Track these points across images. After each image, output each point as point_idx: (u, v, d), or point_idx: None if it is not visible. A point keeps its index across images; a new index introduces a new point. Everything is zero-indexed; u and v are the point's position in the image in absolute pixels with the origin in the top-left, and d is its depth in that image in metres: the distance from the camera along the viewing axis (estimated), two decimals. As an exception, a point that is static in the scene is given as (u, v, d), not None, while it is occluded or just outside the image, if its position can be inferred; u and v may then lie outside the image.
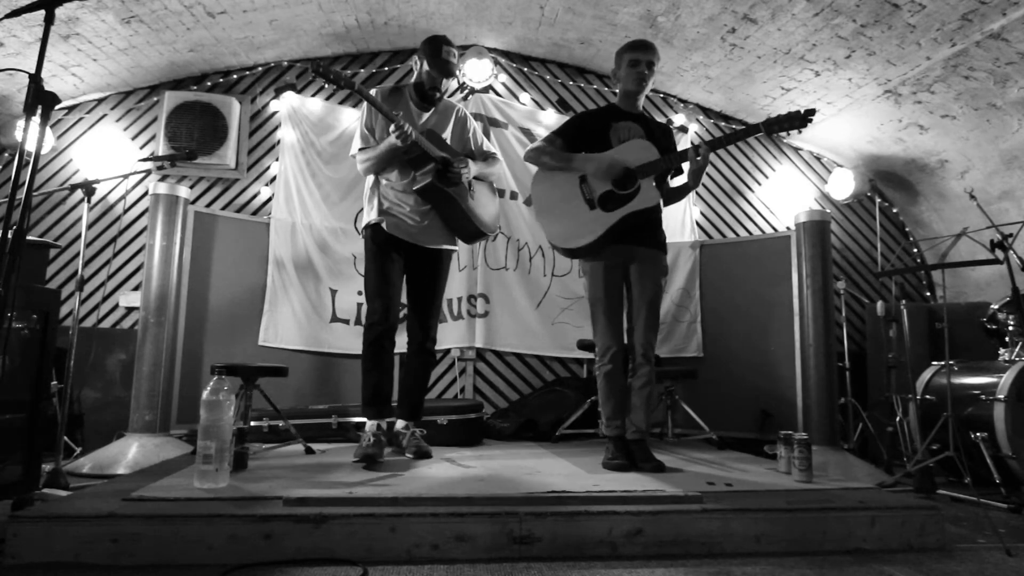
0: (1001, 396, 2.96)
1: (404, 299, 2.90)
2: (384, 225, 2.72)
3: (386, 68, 4.62)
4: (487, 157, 2.96)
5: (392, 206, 2.75)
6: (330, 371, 4.02)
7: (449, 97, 4.50)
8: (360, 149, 2.76)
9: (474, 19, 4.34)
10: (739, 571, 1.71)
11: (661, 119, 4.85)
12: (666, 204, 2.79)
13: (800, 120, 2.53)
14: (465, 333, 4.22)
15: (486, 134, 4.39)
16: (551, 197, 2.68)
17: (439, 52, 2.70)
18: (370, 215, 2.79)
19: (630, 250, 2.67)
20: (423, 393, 2.94)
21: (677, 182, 2.82)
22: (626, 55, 2.73)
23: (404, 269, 2.83)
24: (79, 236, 3.98)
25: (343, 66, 4.57)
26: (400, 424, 2.91)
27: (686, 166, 2.70)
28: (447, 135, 2.84)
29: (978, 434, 2.92)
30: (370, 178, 2.82)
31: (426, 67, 2.72)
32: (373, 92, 2.71)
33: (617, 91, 2.84)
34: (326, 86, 4.53)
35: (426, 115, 2.82)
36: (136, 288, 4.02)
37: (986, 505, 2.60)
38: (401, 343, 2.89)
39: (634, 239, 2.65)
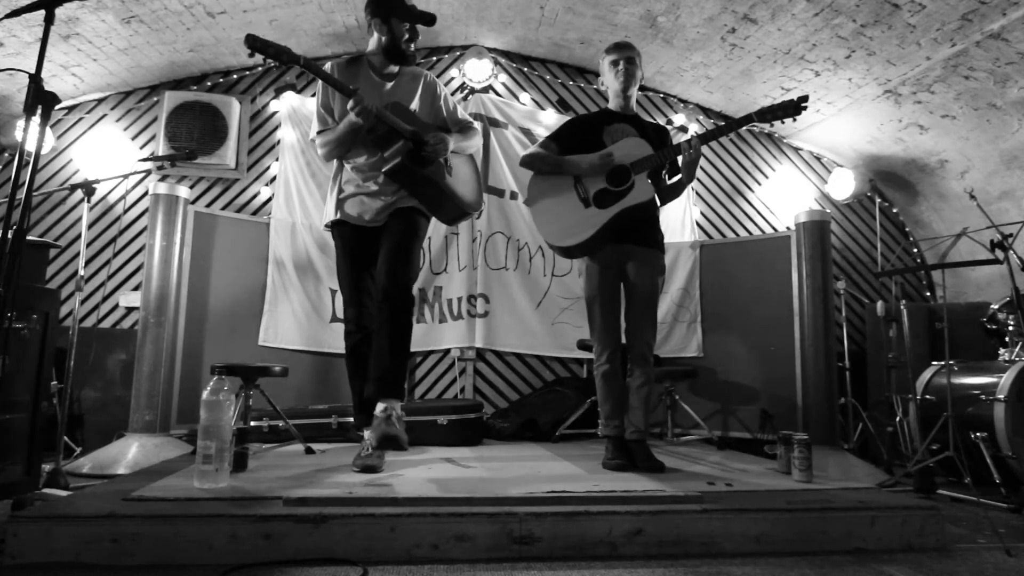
0: (1001, 396, 2.96)
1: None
2: (346, 218, 2.53)
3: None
4: (463, 128, 2.68)
5: (357, 190, 2.53)
6: (330, 371, 4.01)
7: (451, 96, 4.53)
8: (319, 132, 2.52)
9: (474, 19, 4.34)
10: (739, 571, 1.71)
11: (661, 119, 4.86)
12: (664, 202, 2.80)
13: (794, 108, 2.53)
14: (465, 333, 4.22)
15: (486, 134, 4.39)
16: (547, 198, 2.69)
17: (401, 2, 2.46)
18: (329, 209, 2.56)
19: (626, 250, 2.68)
20: (398, 360, 2.40)
21: (674, 180, 2.82)
22: (604, 59, 2.77)
23: (375, 255, 2.57)
24: (79, 236, 3.98)
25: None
26: (378, 408, 2.32)
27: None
28: (415, 106, 2.59)
29: (978, 434, 2.92)
30: (334, 166, 2.61)
31: (393, 24, 2.48)
32: (328, 67, 2.45)
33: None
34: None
35: (389, 85, 2.56)
36: (136, 288, 4.02)
37: (986, 505, 2.60)
38: None
39: (630, 238, 2.66)
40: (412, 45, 2.54)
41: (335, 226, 2.60)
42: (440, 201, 2.55)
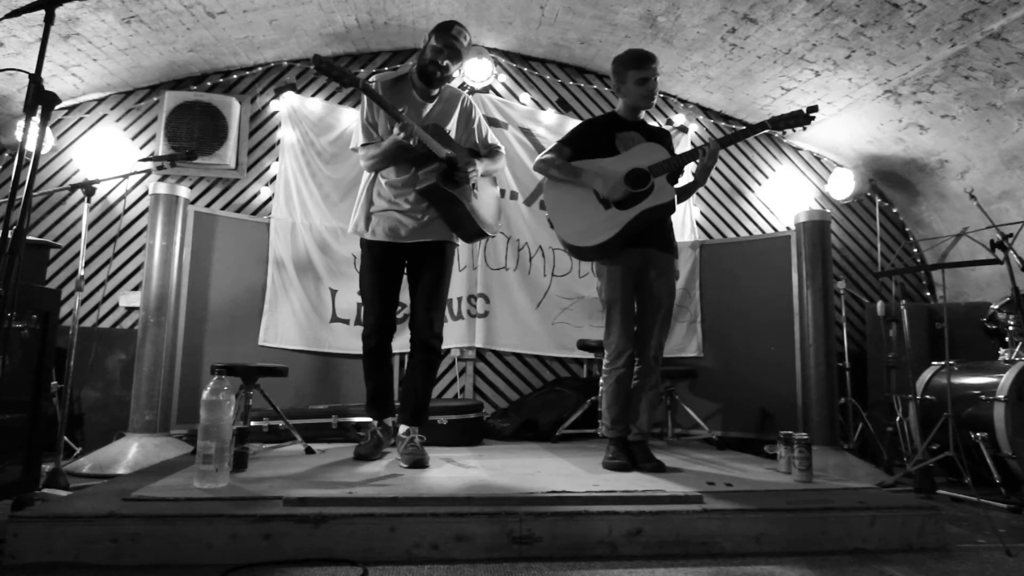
0: (1001, 396, 2.96)
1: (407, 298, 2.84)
2: (378, 235, 2.64)
3: (386, 68, 4.62)
4: (493, 152, 2.83)
5: (389, 207, 2.64)
6: (330, 371, 4.02)
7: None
8: (363, 145, 2.65)
9: (474, 19, 4.34)
10: (739, 571, 1.71)
11: (661, 119, 4.86)
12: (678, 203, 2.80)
13: (804, 118, 2.58)
14: (465, 333, 4.22)
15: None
16: (565, 200, 2.67)
17: (449, 29, 2.57)
18: (360, 220, 2.69)
19: (647, 253, 2.68)
20: (427, 395, 2.76)
21: (681, 183, 2.82)
22: (631, 74, 2.69)
23: (404, 270, 2.76)
24: (79, 236, 3.98)
25: (343, 66, 4.56)
26: (402, 429, 2.72)
27: (690, 166, 2.72)
28: (451, 126, 2.72)
29: (978, 434, 2.92)
30: (367, 176, 2.73)
31: (432, 43, 2.58)
32: (373, 81, 2.60)
33: (620, 99, 2.81)
34: (326, 86, 4.54)
35: (430, 105, 2.70)
36: (136, 288, 4.01)
37: (986, 505, 2.60)
38: (403, 342, 2.85)
39: (650, 242, 2.67)
40: (439, 72, 2.59)
41: (365, 242, 2.72)
42: (463, 221, 2.67)
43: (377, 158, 2.60)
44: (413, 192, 2.61)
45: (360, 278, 2.79)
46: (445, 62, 2.58)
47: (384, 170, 2.66)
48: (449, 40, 2.56)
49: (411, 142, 2.42)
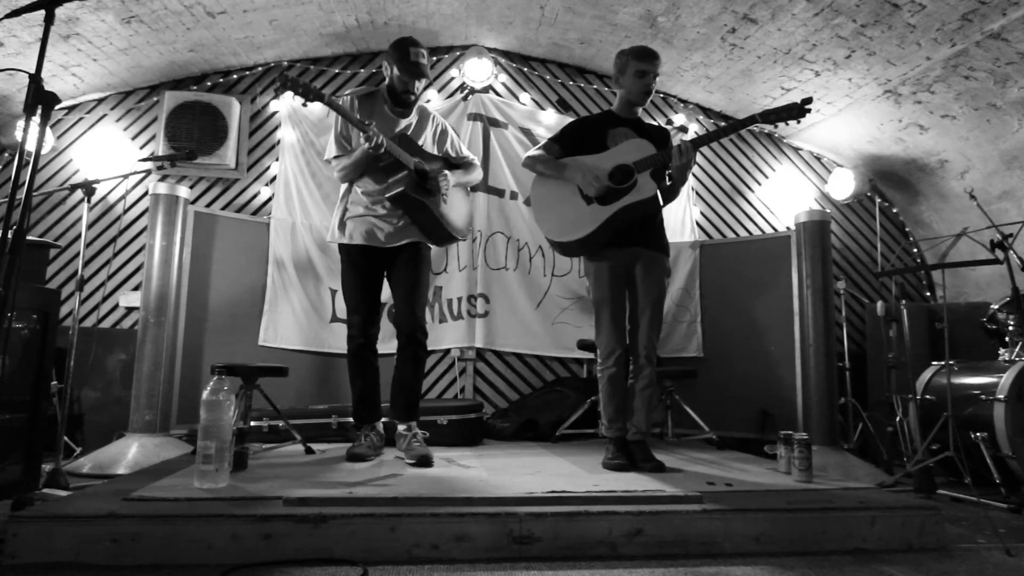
0: (1001, 396, 2.96)
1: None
2: (355, 239, 2.73)
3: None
4: (467, 165, 2.95)
5: (366, 213, 2.74)
6: (330, 371, 4.02)
7: (448, 98, 4.53)
8: (335, 156, 2.77)
9: (474, 19, 4.34)
10: (739, 571, 1.71)
11: (661, 119, 4.86)
12: (664, 202, 2.78)
13: (798, 110, 2.50)
14: (465, 333, 4.22)
15: (486, 134, 4.41)
16: (550, 196, 2.72)
17: (407, 55, 2.67)
18: (335, 231, 2.80)
19: (634, 252, 2.68)
20: (417, 390, 2.83)
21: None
22: (632, 64, 2.69)
23: (383, 271, 2.83)
24: (79, 236, 3.98)
25: (343, 66, 4.57)
26: (401, 427, 2.80)
27: None
28: (424, 140, 2.83)
29: (978, 434, 2.92)
30: (343, 187, 2.83)
31: (396, 72, 2.70)
32: (348, 94, 2.77)
33: (616, 93, 2.83)
34: (326, 86, 4.54)
35: (403, 122, 2.81)
36: (136, 288, 4.02)
37: (986, 505, 2.60)
38: (393, 346, 2.88)
39: (638, 241, 2.67)
40: (410, 96, 2.76)
41: (343, 247, 2.81)
42: (432, 226, 2.78)
43: (349, 168, 2.73)
44: (387, 199, 2.71)
45: (342, 282, 2.85)
46: (415, 87, 2.74)
47: (359, 180, 2.77)
48: (412, 68, 2.67)
49: (378, 150, 2.54)
